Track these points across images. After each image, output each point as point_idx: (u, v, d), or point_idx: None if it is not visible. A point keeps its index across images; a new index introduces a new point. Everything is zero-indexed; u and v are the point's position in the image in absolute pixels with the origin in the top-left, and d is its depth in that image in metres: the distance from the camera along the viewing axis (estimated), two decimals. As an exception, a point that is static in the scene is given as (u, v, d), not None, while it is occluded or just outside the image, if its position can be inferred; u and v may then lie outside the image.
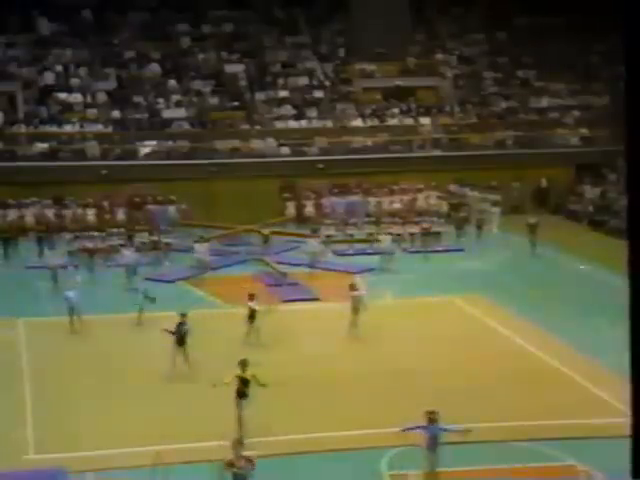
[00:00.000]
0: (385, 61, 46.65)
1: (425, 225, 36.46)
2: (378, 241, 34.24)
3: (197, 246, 32.70)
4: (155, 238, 35.60)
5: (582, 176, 43.86)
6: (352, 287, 25.59)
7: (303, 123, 44.15)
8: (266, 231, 35.64)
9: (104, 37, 46.42)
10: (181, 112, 43.75)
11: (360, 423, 18.95)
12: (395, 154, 42.63)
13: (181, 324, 22.16)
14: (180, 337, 21.94)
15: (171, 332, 22.11)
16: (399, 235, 36.12)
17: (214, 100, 44.61)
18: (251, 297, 24.70)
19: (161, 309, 25.33)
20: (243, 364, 18.32)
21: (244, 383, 18.24)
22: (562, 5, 45.28)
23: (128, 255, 31.30)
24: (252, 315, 24.34)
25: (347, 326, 24.91)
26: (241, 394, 18.30)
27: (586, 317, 26.27)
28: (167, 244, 35.54)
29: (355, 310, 24.91)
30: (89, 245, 33.18)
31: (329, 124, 44.10)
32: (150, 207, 38.89)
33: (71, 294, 25.68)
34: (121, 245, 34.01)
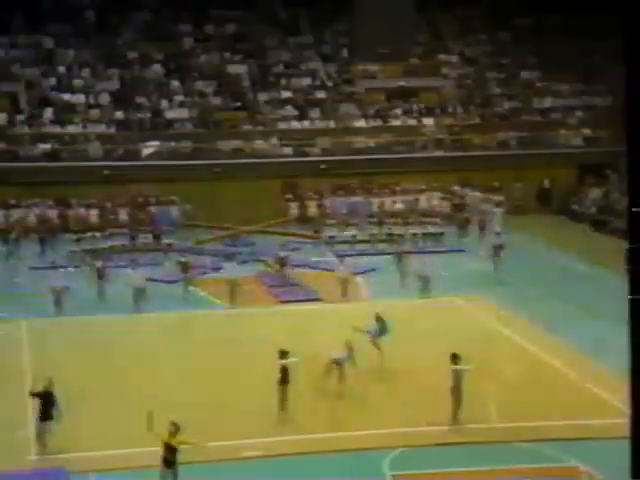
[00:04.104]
0: (388, 62, 46.65)
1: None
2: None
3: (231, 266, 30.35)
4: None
5: (585, 177, 43.83)
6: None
7: (306, 124, 44.16)
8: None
9: (107, 38, 46.48)
10: (184, 113, 43.78)
11: (361, 423, 18.95)
12: (398, 155, 42.61)
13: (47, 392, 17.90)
14: (45, 410, 17.76)
15: (34, 395, 18.14)
16: (401, 236, 36.11)
17: (217, 101, 44.63)
18: (283, 354, 19.01)
19: (161, 309, 25.34)
20: (175, 427, 15.19)
21: (171, 451, 15.20)
22: (565, 5, 45.28)
23: (134, 277, 28.42)
24: (285, 378, 18.98)
25: None
26: (168, 463, 15.30)
27: (587, 318, 26.26)
28: (169, 245, 35.64)
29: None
30: (98, 265, 29.92)
31: (332, 125, 44.11)
32: (152, 208, 38.88)
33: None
34: (125, 259, 32.93)
